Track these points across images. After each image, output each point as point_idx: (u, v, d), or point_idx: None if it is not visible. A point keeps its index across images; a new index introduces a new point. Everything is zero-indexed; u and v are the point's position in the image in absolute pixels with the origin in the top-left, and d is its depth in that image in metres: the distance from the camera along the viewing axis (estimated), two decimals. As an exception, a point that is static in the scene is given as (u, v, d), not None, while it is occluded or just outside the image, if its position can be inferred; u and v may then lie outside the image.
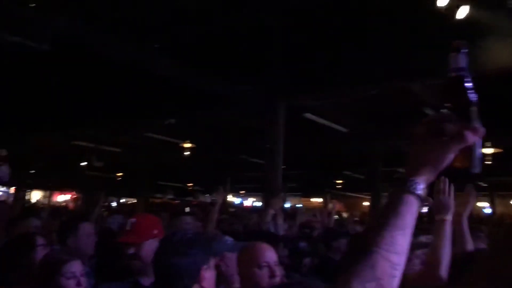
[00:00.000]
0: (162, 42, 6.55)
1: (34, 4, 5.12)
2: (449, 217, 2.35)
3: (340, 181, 21.24)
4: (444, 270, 2.18)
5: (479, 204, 19.30)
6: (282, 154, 8.86)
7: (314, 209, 14.24)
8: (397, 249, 0.91)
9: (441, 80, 1.07)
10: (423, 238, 2.81)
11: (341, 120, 10.49)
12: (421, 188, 0.95)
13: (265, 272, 2.03)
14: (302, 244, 4.31)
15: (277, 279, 2.04)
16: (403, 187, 0.95)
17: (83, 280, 1.90)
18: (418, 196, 0.95)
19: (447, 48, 1.00)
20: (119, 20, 5.85)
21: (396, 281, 0.90)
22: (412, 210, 0.94)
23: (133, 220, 2.04)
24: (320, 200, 22.62)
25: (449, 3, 5.08)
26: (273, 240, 3.55)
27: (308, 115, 9.68)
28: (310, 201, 24.50)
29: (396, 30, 5.88)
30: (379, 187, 12.76)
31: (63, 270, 1.86)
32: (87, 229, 2.73)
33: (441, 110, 0.97)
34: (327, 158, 15.36)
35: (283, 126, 8.88)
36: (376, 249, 0.89)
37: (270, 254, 2.10)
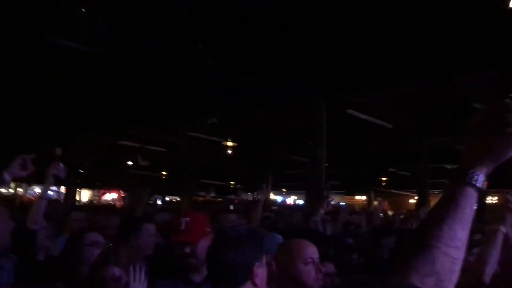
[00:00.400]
0: (205, 42, 6.62)
1: (84, 9, 5.31)
2: (503, 229, 2.31)
3: (385, 178, 20.80)
4: (487, 279, 2.13)
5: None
6: (324, 151, 8.78)
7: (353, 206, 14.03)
8: (456, 243, 0.88)
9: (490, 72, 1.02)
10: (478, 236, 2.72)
11: (386, 115, 10.25)
12: (481, 180, 0.92)
13: (310, 268, 2.00)
14: (350, 240, 4.25)
15: (322, 275, 2.01)
16: (463, 179, 0.92)
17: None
18: (478, 189, 0.91)
19: (495, 40, 0.95)
20: (163, 21, 5.97)
21: (456, 276, 0.88)
22: (471, 203, 0.91)
23: (187, 219, 2.06)
24: (364, 198, 22.31)
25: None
26: (323, 239, 3.51)
27: (351, 111, 9.52)
28: (353, 199, 24.13)
29: (440, 24, 5.68)
30: (426, 184, 12.39)
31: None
32: (150, 229, 2.78)
33: (505, 100, 0.91)
34: (371, 155, 15.07)
35: (325, 123, 8.79)
36: (436, 243, 0.87)
37: (313, 250, 2.06)
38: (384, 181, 21.04)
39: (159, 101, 9.22)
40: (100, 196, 24.96)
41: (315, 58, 6.96)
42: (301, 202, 23.06)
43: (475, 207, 0.92)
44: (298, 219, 6.70)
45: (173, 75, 7.77)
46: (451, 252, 0.87)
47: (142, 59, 7.08)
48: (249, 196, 26.57)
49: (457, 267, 0.88)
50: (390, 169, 18.53)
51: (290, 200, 27.78)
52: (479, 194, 0.92)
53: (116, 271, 1.76)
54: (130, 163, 17.85)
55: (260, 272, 1.57)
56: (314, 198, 8.05)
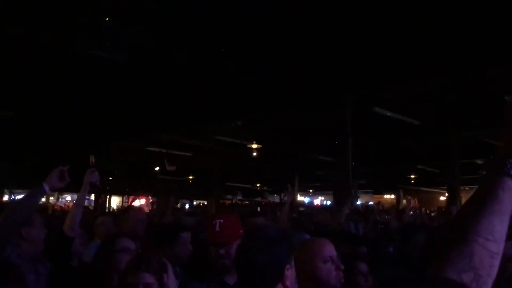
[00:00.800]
0: (228, 45, 6.66)
1: (108, 18, 5.42)
2: None
3: (414, 176, 20.44)
4: None
5: None
6: (351, 150, 8.69)
7: (378, 204, 13.82)
8: (495, 236, 0.85)
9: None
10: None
11: (413, 112, 10.07)
12: None
13: (330, 266, 1.97)
14: (390, 249, 4.16)
15: (342, 273, 1.98)
16: (501, 169, 0.88)
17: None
18: None
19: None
20: (186, 26, 6.03)
21: (495, 270, 0.84)
22: (510, 194, 0.87)
23: (221, 221, 2.07)
24: (392, 196, 21.96)
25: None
26: (353, 239, 3.47)
27: (377, 109, 9.39)
28: (382, 197, 23.79)
29: (469, 16, 5.55)
30: (457, 180, 12.10)
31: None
32: (186, 238, 2.82)
33: None
34: (399, 153, 14.83)
35: (351, 121, 8.70)
36: (474, 237, 0.84)
37: (331, 248, 2.04)
38: (413, 179, 20.67)
39: (184, 106, 9.33)
40: (129, 202, 25.36)
41: (339, 56, 6.91)
42: (328, 202, 22.89)
43: None
44: (326, 219, 6.66)
45: (197, 79, 7.85)
46: (490, 246, 0.84)
47: (167, 65, 7.18)
48: (275, 198, 26.55)
49: (496, 262, 0.85)
50: (419, 166, 18.19)
51: (318, 200, 27.61)
52: None
53: (148, 277, 1.77)
54: (157, 168, 18.08)
55: (290, 274, 1.56)
56: (342, 198, 7.98)
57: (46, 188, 2.58)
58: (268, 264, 1.51)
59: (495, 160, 0.90)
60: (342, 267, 2.01)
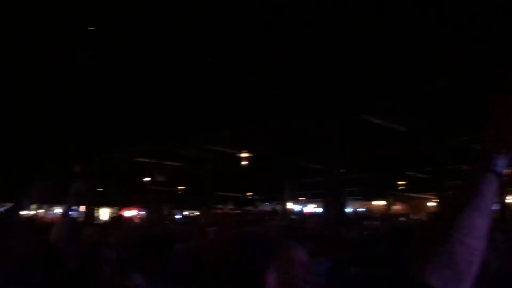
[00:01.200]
0: (215, 55, 6.70)
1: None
2: None
3: (403, 182, 20.53)
4: None
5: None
6: (341, 158, 8.75)
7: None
8: (476, 233, 0.83)
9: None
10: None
11: (399, 118, 10.17)
12: (503, 165, 0.87)
13: (303, 272, 2.00)
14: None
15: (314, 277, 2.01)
16: (485, 164, 0.87)
17: None
18: (500, 174, 0.87)
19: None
20: (173, 37, 6.07)
21: (475, 267, 0.82)
22: (493, 188, 0.86)
23: (215, 229, 2.10)
24: (382, 203, 22.05)
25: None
26: (344, 243, 3.50)
27: (365, 117, 9.49)
28: (371, 204, 23.87)
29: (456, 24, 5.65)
30: (445, 186, 12.21)
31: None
32: (181, 249, 2.86)
33: None
34: (388, 160, 14.93)
35: (339, 129, 8.77)
36: (454, 233, 0.82)
37: (303, 254, 2.07)
38: (402, 185, 20.77)
39: (173, 118, 9.32)
40: (119, 214, 25.12)
41: (328, 65, 6.97)
42: (320, 210, 22.89)
43: (495, 194, 0.87)
44: (316, 226, 6.68)
45: (186, 89, 7.87)
46: (470, 242, 0.82)
47: (155, 76, 7.20)
48: (267, 206, 26.50)
49: (477, 259, 0.83)
50: (408, 173, 18.31)
51: (309, 208, 27.59)
52: (500, 180, 0.87)
53: (137, 278, 1.79)
54: (147, 179, 17.98)
55: (271, 281, 1.58)
56: (332, 205, 8.02)
57: (25, 202, 2.58)
58: (249, 270, 1.53)
59: (479, 156, 0.89)
60: (314, 272, 2.04)
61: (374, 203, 24.09)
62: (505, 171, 0.89)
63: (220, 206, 24.23)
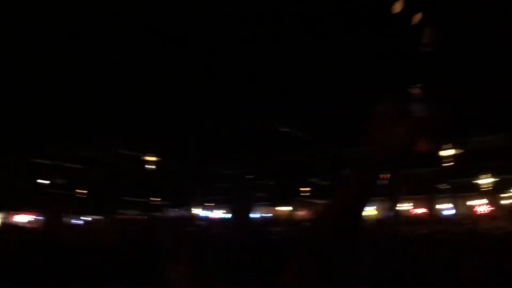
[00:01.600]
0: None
1: None
2: None
3: (307, 189, 21.35)
4: None
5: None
6: (248, 164, 8.89)
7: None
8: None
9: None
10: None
11: (305, 127, 10.60)
12: (383, 168, 0.95)
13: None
14: None
15: None
16: (365, 168, 0.93)
17: None
18: (377, 178, 0.95)
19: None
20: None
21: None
22: (368, 191, 0.94)
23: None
24: (288, 208, 22.76)
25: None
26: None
27: (272, 125, 9.75)
28: (277, 210, 24.52)
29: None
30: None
31: None
32: None
33: (409, 90, 0.95)
34: (293, 167, 15.48)
35: (245, 135, 8.91)
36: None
37: None
38: (307, 191, 21.59)
39: (73, 120, 8.84)
40: (9, 219, 23.07)
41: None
42: (229, 216, 22.96)
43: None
44: (223, 232, 6.70)
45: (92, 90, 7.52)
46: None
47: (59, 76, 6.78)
48: (175, 212, 26.04)
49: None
50: (312, 180, 19.12)
51: (217, 214, 27.60)
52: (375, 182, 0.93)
53: None
54: (46, 182, 16.79)
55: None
56: (240, 210, 8.12)
57: None
58: None
59: (361, 161, 0.94)
60: None
61: (280, 208, 24.80)
62: (383, 175, 0.96)
63: (127, 212, 23.32)
